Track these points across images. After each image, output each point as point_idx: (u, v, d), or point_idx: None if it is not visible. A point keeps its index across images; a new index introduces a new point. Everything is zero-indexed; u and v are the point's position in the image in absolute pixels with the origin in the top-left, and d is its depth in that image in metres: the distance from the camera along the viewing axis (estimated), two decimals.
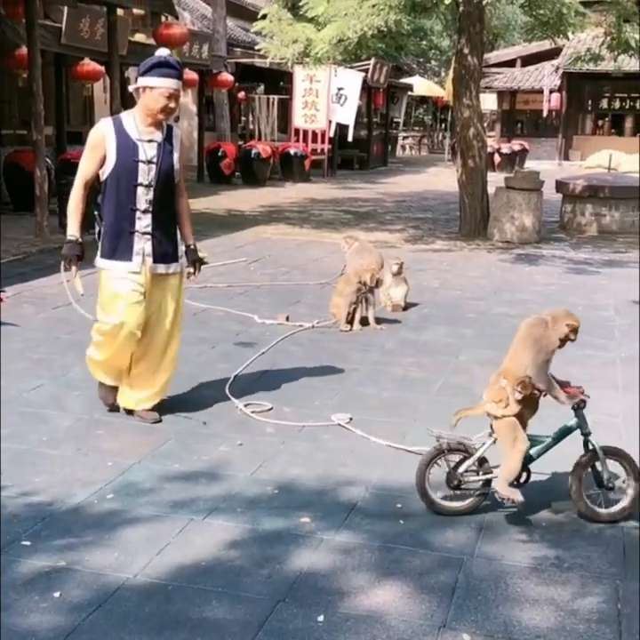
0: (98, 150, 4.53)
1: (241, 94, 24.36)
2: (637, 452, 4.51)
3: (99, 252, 4.66)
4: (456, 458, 3.80)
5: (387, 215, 15.79)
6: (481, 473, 3.80)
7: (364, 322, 7.14)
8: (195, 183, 20.39)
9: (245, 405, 5.07)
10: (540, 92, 31.63)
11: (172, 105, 4.53)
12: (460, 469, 3.78)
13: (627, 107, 32.76)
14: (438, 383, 5.70)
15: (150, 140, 4.56)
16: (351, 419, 4.90)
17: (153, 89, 4.47)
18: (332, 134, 22.83)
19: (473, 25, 12.24)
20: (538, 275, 9.96)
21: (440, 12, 13.41)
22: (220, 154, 20.15)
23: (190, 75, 18.33)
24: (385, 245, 11.04)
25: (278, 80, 24.47)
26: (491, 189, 12.90)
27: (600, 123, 33.41)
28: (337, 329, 7.04)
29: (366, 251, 7.55)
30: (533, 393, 3.68)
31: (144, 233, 4.59)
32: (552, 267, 10.52)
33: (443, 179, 22.18)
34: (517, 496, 3.67)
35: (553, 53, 28.32)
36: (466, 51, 12.31)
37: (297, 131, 22.72)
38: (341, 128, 22.63)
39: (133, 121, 4.56)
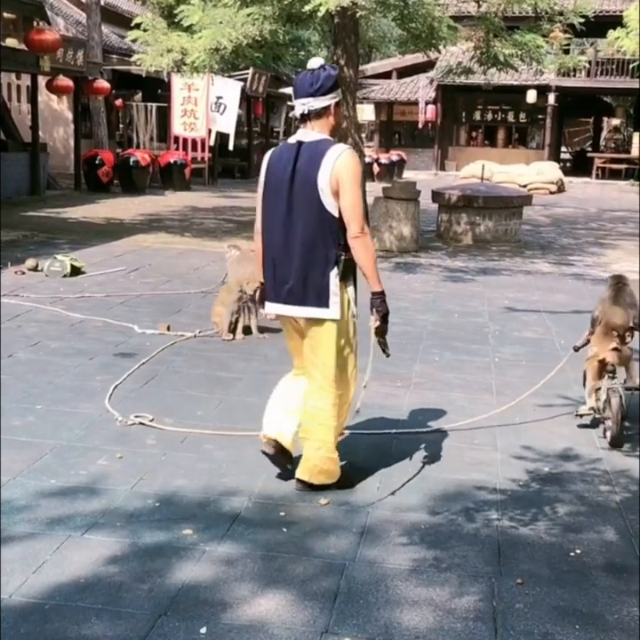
0: None
1: (118, 102, 23.99)
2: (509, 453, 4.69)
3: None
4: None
5: None
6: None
7: (247, 331, 7.14)
8: (72, 191, 19.96)
9: (126, 417, 4.99)
10: (416, 103, 32.33)
11: None
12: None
13: (499, 118, 33.94)
14: None
15: None
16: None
17: (339, 104, 3.87)
18: (212, 143, 22.71)
19: (348, 37, 12.40)
20: (416, 283, 10.18)
21: (316, 23, 13.52)
22: (97, 162, 19.80)
23: (65, 81, 17.98)
24: None
25: (157, 88, 24.18)
26: (370, 199, 13.09)
27: (474, 134, 34.48)
28: (219, 338, 7.01)
29: (248, 259, 7.52)
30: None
31: None
32: (429, 275, 10.77)
33: None
34: None
35: (428, 66, 28.97)
36: (342, 62, 12.45)
37: (176, 139, 22.49)
38: (222, 137, 22.55)
39: None
